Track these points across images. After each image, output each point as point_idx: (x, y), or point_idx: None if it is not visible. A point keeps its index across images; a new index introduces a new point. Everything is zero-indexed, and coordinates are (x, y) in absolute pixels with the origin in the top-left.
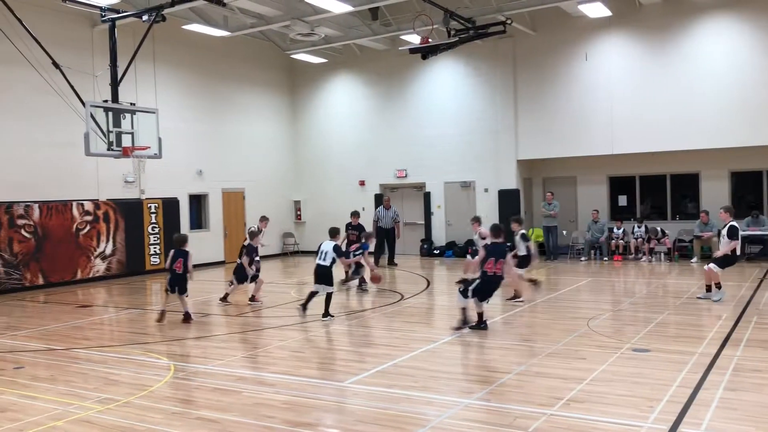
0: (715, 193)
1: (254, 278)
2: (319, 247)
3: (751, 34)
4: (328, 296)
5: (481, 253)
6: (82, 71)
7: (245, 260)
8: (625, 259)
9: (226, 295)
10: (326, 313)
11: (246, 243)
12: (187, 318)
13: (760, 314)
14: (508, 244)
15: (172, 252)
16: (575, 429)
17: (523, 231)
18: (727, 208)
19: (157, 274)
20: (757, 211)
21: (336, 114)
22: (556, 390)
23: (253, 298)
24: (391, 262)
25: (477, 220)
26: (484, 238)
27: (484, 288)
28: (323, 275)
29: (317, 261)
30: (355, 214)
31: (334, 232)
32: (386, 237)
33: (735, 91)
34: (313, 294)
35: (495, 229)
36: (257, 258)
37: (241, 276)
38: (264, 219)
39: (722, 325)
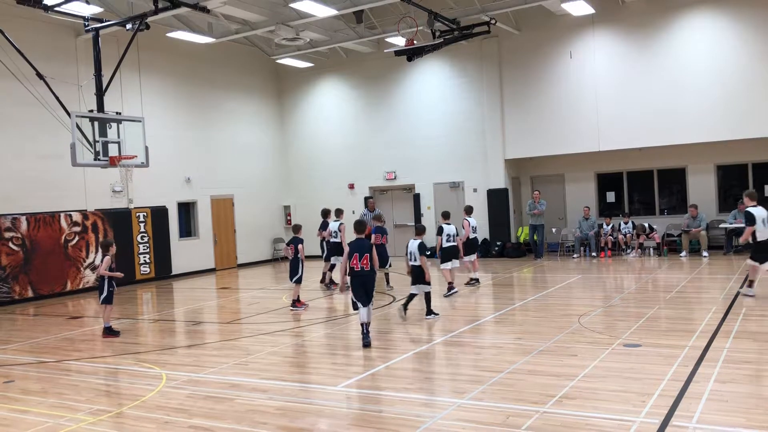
0: (702, 187)
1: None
2: (407, 248)
3: (733, 29)
4: (427, 295)
5: (346, 249)
6: (67, 81)
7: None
8: (614, 255)
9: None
10: (429, 311)
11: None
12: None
13: (749, 306)
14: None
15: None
16: (568, 426)
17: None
18: (749, 193)
19: (147, 284)
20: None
21: (324, 118)
22: (549, 387)
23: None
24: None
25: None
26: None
27: (356, 286)
28: (417, 276)
29: (410, 263)
30: (339, 212)
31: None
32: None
33: (718, 85)
34: (412, 296)
35: (357, 225)
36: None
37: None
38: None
39: (712, 318)
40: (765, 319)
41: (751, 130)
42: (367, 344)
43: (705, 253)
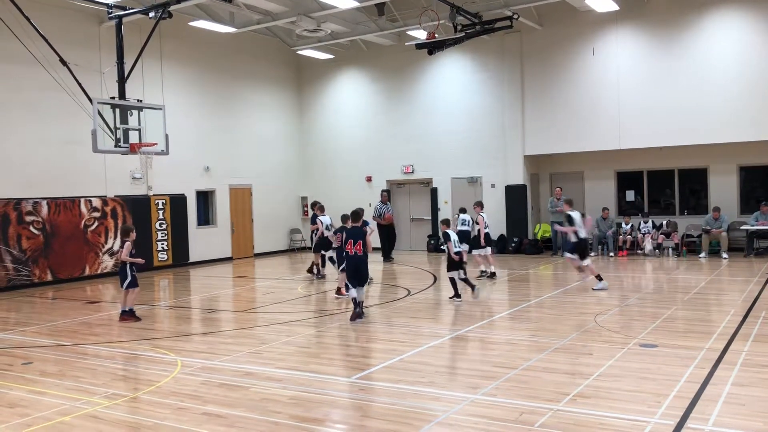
0: (723, 188)
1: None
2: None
3: (758, 28)
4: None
5: (340, 236)
6: (90, 68)
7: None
8: (632, 254)
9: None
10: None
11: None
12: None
13: None
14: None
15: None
16: (582, 424)
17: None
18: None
19: (165, 270)
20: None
21: (343, 110)
22: (563, 385)
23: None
24: (388, 257)
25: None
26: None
27: (349, 268)
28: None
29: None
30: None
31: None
32: (387, 232)
33: (743, 85)
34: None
35: (354, 215)
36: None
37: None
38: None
39: (730, 320)
40: None
41: None
42: (359, 314)
43: (725, 255)
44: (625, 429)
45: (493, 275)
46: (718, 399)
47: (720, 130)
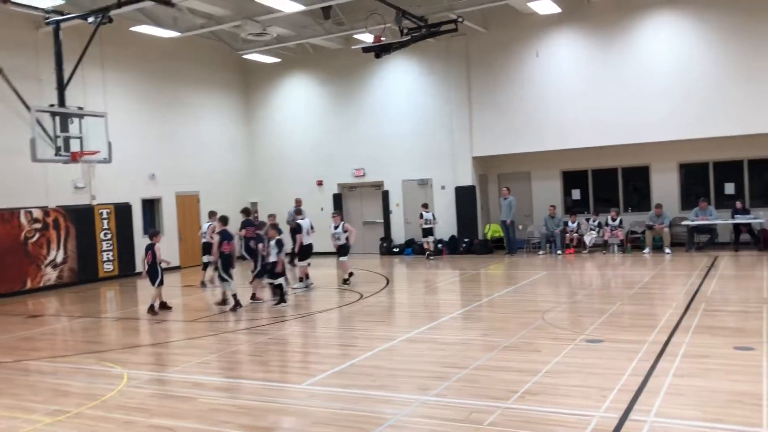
0: (665, 185)
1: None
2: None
3: (696, 30)
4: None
5: (218, 238)
6: (27, 75)
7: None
8: (578, 252)
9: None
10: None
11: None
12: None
13: (708, 302)
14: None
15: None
16: (530, 421)
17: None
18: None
19: (111, 281)
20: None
21: (292, 114)
22: (512, 383)
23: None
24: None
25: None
26: (345, 231)
27: (225, 264)
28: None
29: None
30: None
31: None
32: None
33: (682, 84)
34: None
35: (222, 220)
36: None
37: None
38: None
39: (672, 313)
40: (722, 314)
41: (712, 129)
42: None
43: (667, 250)
44: (571, 424)
45: (346, 281)
46: (660, 390)
47: (660, 129)
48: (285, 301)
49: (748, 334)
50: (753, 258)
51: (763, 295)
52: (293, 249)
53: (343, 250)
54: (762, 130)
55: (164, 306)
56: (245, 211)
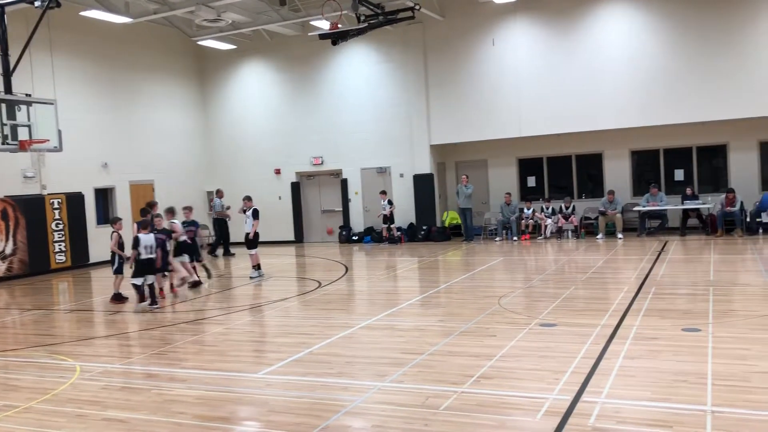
0: (617, 172)
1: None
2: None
3: (647, 19)
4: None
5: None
6: None
7: None
8: (533, 238)
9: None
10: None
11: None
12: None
13: (658, 285)
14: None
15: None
16: (485, 405)
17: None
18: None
19: (64, 273)
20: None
21: (248, 101)
22: (468, 368)
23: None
24: (228, 253)
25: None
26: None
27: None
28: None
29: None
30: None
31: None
32: (222, 227)
33: (633, 74)
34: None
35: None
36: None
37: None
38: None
39: (624, 297)
40: (672, 296)
41: (663, 116)
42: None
43: (620, 235)
44: (526, 406)
45: (196, 284)
46: (611, 372)
47: (613, 117)
48: (145, 301)
49: (695, 315)
50: (701, 242)
51: (709, 278)
52: (216, 240)
53: None
54: (710, 117)
55: (116, 298)
56: (144, 211)
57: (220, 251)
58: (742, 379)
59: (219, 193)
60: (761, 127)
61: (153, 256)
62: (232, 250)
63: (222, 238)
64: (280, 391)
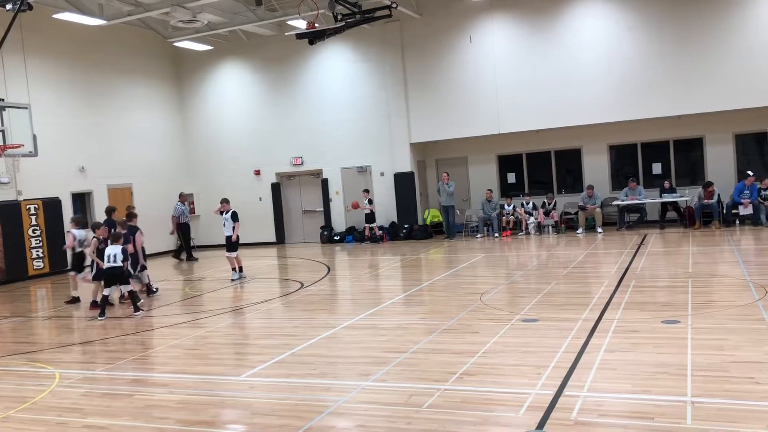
0: (596, 167)
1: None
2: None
3: (622, 16)
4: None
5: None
6: None
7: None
8: (514, 234)
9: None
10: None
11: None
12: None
13: (638, 278)
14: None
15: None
16: (468, 401)
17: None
18: (75, 218)
19: (42, 279)
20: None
21: (227, 102)
22: (450, 365)
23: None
24: (191, 258)
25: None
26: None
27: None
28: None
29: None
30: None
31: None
32: (185, 232)
33: (609, 69)
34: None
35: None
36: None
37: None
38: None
39: (604, 291)
40: (651, 289)
41: (640, 111)
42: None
43: (600, 230)
44: (508, 402)
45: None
46: (592, 366)
47: (590, 112)
48: (104, 316)
49: (675, 308)
50: (679, 235)
51: (688, 270)
52: (180, 244)
53: None
54: (686, 111)
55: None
56: (108, 212)
57: (183, 256)
58: (720, 369)
59: (182, 197)
60: (736, 119)
61: (118, 264)
62: (196, 254)
63: (185, 243)
64: (263, 393)
